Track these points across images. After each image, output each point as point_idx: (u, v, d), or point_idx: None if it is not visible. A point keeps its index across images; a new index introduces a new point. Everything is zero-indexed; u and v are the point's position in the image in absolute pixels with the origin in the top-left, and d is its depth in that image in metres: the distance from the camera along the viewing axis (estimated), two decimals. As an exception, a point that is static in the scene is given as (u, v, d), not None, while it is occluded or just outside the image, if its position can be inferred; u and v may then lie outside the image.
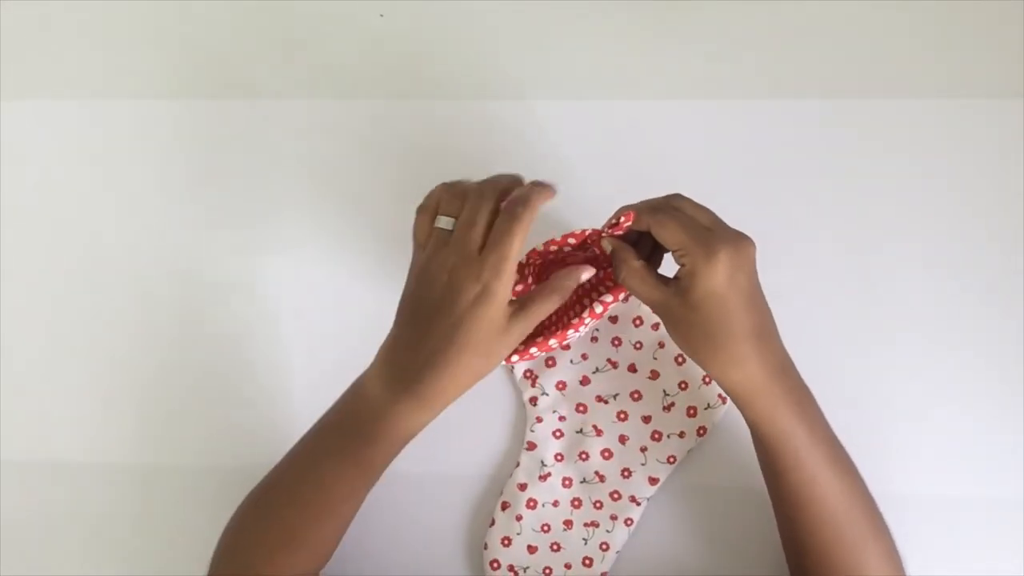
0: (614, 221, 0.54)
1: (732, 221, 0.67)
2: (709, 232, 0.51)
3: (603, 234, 0.55)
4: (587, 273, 0.55)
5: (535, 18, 0.73)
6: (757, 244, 0.54)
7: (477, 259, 0.51)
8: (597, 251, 0.57)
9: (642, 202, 0.54)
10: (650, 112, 0.71)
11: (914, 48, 0.70)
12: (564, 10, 0.73)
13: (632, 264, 0.53)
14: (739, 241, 0.51)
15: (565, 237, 0.55)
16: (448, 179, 0.56)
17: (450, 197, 0.54)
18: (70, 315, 0.71)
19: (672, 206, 0.53)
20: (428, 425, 0.55)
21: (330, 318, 0.69)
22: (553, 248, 0.56)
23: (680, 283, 0.51)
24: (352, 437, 0.55)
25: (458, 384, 0.53)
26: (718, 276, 0.50)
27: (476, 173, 0.58)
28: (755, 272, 0.52)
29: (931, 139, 0.69)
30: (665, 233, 0.51)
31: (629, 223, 0.53)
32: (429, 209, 0.54)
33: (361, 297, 0.69)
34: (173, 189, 0.73)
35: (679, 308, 0.51)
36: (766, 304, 0.53)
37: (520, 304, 0.53)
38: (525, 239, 0.51)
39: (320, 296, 0.70)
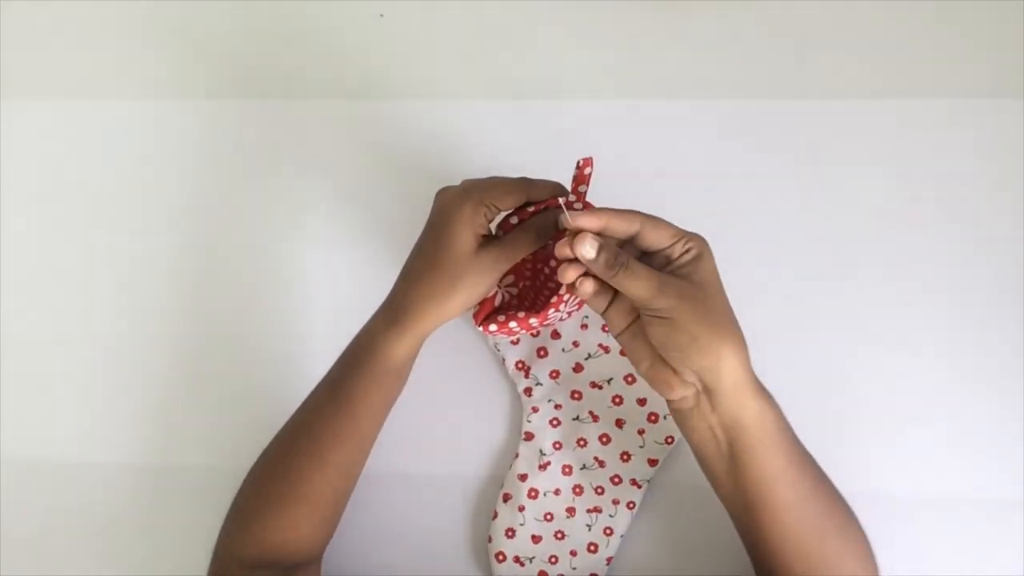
0: (575, 173, 0.55)
1: (728, 219, 0.69)
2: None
3: (569, 199, 0.56)
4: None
5: (535, 18, 0.74)
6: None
7: (464, 192, 0.55)
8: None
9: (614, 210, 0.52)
10: (649, 112, 0.71)
11: (914, 48, 0.71)
12: (563, 10, 0.74)
13: (633, 266, 0.49)
14: None
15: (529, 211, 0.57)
16: (447, 178, 0.58)
17: None
18: (71, 315, 0.72)
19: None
20: (409, 353, 0.58)
21: (332, 316, 0.69)
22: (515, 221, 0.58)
23: (683, 268, 0.50)
24: (340, 371, 0.59)
25: (430, 303, 0.55)
26: (712, 258, 0.51)
27: (475, 172, 0.59)
28: None
29: (930, 139, 0.69)
30: (662, 229, 0.50)
31: (590, 168, 0.55)
32: None
33: (367, 294, 0.67)
34: (173, 189, 0.73)
35: (689, 288, 0.49)
36: None
37: (496, 237, 0.56)
38: (518, 201, 0.55)
39: (322, 294, 0.70)
